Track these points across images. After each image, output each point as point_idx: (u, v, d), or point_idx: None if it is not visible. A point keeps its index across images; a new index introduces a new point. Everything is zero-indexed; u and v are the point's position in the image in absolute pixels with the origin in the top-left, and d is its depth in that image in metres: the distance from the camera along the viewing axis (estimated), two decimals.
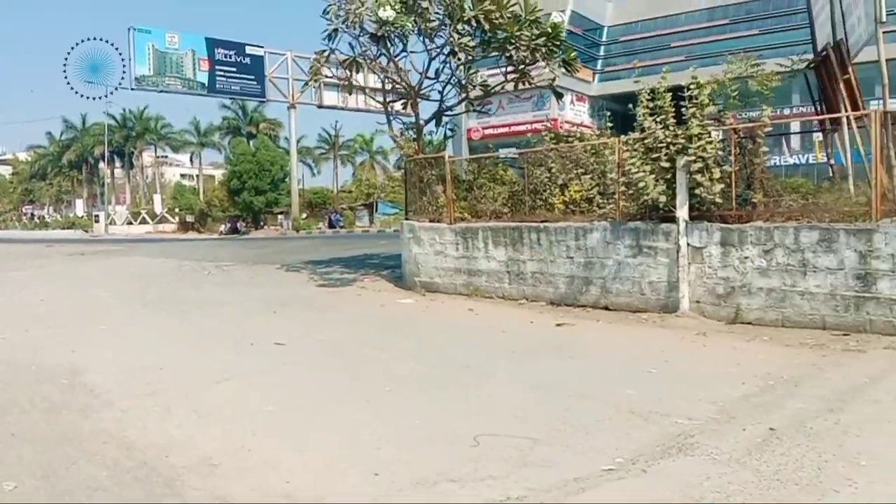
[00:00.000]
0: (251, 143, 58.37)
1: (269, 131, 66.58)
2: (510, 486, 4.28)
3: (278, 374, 7.46)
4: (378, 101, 16.59)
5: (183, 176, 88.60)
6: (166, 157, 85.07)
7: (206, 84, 47.86)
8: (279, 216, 54.78)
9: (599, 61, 51.66)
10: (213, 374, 7.37)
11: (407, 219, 14.62)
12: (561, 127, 30.73)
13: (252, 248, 27.09)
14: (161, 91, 46.81)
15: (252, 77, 49.72)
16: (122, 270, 18.50)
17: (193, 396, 6.55)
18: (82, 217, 69.83)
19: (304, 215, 53.41)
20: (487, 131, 48.23)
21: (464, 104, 16.01)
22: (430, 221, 13.72)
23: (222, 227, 53.95)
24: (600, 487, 4.16)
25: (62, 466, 4.78)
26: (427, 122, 15.32)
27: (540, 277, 11.57)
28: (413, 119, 15.64)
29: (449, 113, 15.95)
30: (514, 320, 10.36)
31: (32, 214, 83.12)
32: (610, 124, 13.30)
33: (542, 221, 11.66)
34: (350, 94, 23.17)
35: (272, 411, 6.04)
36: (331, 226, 51.95)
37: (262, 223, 54.49)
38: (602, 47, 52.42)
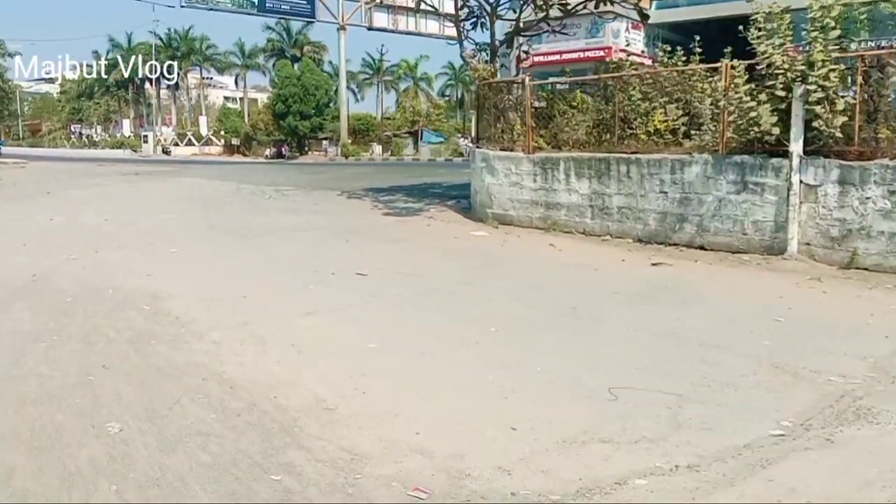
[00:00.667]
0: (296, 66, 56.98)
1: (314, 54, 64.82)
2: (671, 450, 3.76)
3: (369, 308, 7.02)
4: (450, 20, 15.63)
5: (227, 98, 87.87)
6: (211, 78, 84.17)
7: (256, 2, 46.59)
8: (323, 142, 53.93)
9: None
10: (300, 305, 6.96)
11: (478, 147, 13.90)
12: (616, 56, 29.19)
13: (307, 174, 26.63)
14: (211, 9, 45.63)
15: None
16: (180, 192, 18.24)
17: (286, 329, 6.15)
18: (130, 137, 69.94)
19: (350, 141, 52.51)
20: (537, 58, 46.22)
21: (541, 24, 14.98)
22: (503, 150, 12.98)
23: (267, 151, 53.50)
24: (788, 459, 3.59)
25: (164, 406, 4.39)
26: (502, 43, 14.39)
27: (627, 213, 10.84)
28: (485, 41, 14.73)
29: (526, 33, 14.99)
30: (602, 258, 9.73)
31: (81, 133, 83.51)
32: (698, 50, 12.18)
33: (632, 153, 10.84)
34: (418, 11, 22.09)
35: (375, 349, 5.60)
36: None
37: (306, 148, 53.88)
38: None
